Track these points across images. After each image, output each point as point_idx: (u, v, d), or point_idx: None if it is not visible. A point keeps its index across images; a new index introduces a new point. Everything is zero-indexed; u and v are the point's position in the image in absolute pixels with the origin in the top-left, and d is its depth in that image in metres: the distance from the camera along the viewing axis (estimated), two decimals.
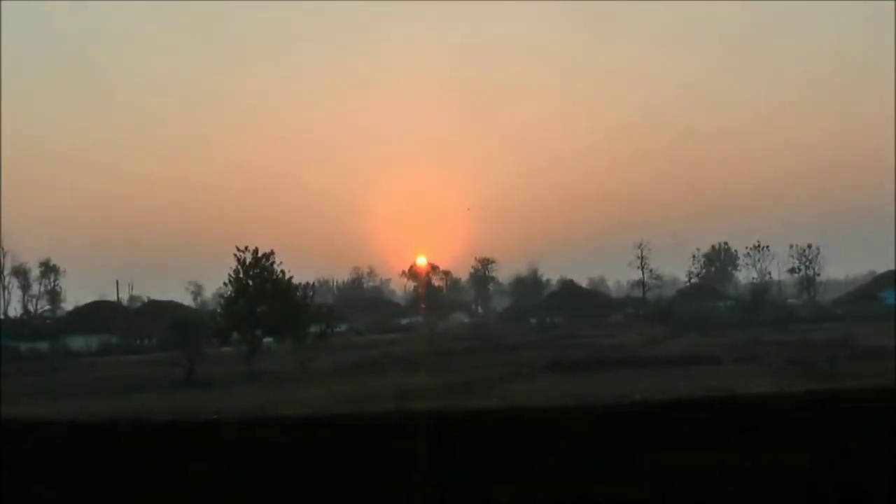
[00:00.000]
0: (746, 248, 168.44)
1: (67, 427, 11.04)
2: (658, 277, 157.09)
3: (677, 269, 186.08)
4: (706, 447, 8.93)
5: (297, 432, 10.04)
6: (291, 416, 9.89)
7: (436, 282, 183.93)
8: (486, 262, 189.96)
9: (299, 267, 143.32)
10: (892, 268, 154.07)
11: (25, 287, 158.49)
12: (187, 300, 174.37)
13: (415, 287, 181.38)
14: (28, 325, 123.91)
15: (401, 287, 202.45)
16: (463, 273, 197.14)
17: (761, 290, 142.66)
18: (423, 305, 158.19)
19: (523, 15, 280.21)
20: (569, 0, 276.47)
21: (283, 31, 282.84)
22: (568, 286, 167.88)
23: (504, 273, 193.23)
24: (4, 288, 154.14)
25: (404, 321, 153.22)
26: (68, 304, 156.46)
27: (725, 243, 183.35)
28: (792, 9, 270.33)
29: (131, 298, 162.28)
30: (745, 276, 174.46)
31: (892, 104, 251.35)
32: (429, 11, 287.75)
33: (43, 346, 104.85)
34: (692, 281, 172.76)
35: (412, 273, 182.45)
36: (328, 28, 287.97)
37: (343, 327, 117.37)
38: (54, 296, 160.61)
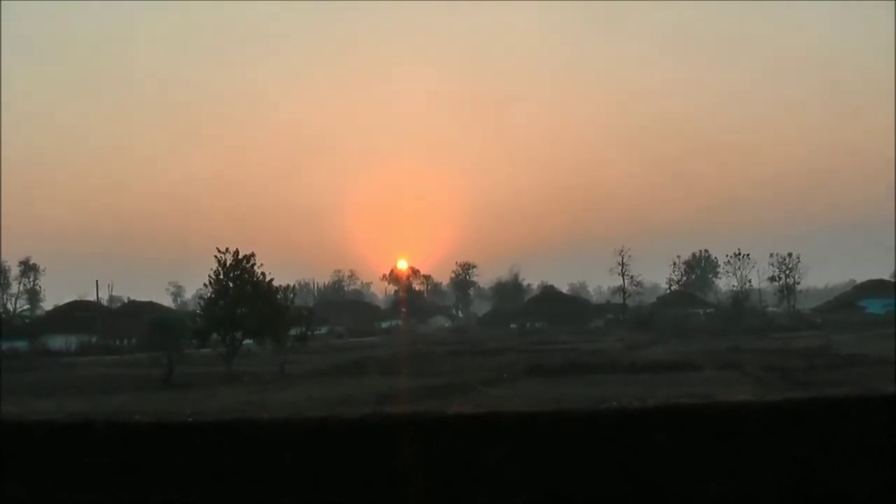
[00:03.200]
0: (727, 255, 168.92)
1: (43, 426, 11.01)
2: (639, 284, 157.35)
3: (658, 275, 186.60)
4: (684, 453, 8.94)
5: (274, 434, 10.03)
6: (269, 419, 9.87)
7: (417, 286, 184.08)
8: (467, 267, 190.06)
9: (280, 269, 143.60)
10: (872, 277, 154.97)
11: (5, 286, 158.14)
12: (167, 301, 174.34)
13: (396, 291, 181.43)
14: (7, 325, 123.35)
15: (382, 290, 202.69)
16: (444, 277, 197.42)
17: (741, 297, 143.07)
18: (403, 309, 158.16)
19: (507, 21, 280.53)
20: (554, 2, 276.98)
21: (265, 33, 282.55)
22: (549, 291, 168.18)
23: (485, 278, 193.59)
24: None
25: (385, 325, 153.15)
26: (48, 304, 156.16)
27: (706, 251, 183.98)
28: (778, 20, 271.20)
29: (111, 299, 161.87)
30: (725, 283, 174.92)
31: (877, 114, 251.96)
32: (415, 16, 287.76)
33: (22, 345, 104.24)
34: (672, 288, 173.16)
35: (393, 277, 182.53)
36: (310, 32, 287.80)
37: (323, 330, 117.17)
38: (34, 295, 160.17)
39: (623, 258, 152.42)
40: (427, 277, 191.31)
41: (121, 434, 10.27)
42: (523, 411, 9.99)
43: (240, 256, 69.88)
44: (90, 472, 10.52)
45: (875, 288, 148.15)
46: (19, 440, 10.65)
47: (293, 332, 73.28)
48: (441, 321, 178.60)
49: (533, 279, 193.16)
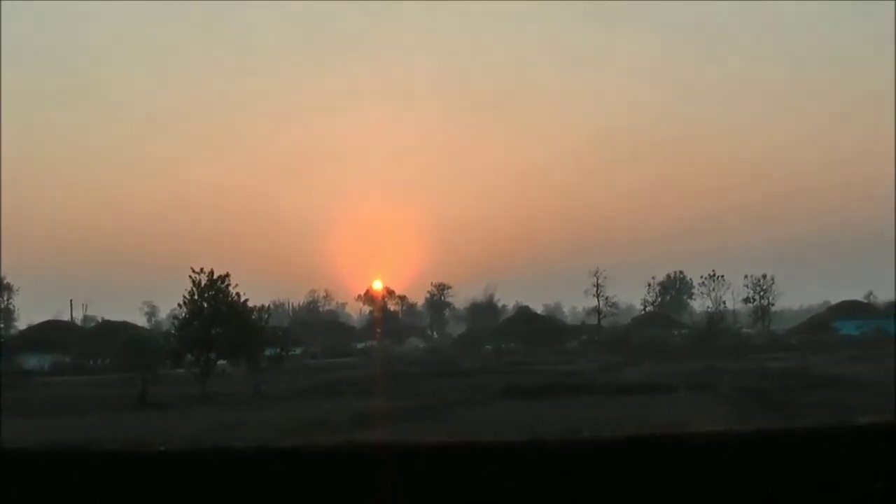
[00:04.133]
0: (701, 277, 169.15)
1: (13, 455, 10.93)
2: (614, 305, 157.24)
3: (633, 296, 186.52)
4: (656, 483, 8.95)
5: (248, 464, 9.99)
6: (243, 448, 9.84)
7: (392, 306, 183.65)
8: (441, 288, 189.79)
9: (255, 289, 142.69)
10: (846, 298, 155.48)
11: None
12: (142, 321, 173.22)
13: (371, 311, 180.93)
14: None
15: (357, 311, 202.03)
16: (419, 298, 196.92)
17: (716, 318, 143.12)
18: (378, 330, 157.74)
19: (483, 43, 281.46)
20: (530, 23, 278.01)
21: (245, 55, 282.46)
22: (523, 312, 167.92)
23: (460, 298, 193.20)
24: None
25: (360, 345, 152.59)
26: (21, 323, 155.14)
27: (681, 272, 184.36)
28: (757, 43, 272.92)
29: (85, 318, 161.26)
30: (700, 304, 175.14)
31: (852, 135, 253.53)
32: (394, 39, 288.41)
33: None
34: (647, 309, 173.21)
35: (368, 297, 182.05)
36: (291, 53, 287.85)
37: (298, 350, 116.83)
38: (7, 314, 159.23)
39: (598, 279, 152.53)
40: (402, 298, 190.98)
41: (91, 462, 10.24)
42: (498, 440, 9.99)
43: (214, 277, 69.58)
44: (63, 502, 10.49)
45: (849, 309, 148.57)
46: None
47: (268, 352, 73.11)
48: (416, 342, 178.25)
49: (508, 300, 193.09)
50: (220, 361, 72.75)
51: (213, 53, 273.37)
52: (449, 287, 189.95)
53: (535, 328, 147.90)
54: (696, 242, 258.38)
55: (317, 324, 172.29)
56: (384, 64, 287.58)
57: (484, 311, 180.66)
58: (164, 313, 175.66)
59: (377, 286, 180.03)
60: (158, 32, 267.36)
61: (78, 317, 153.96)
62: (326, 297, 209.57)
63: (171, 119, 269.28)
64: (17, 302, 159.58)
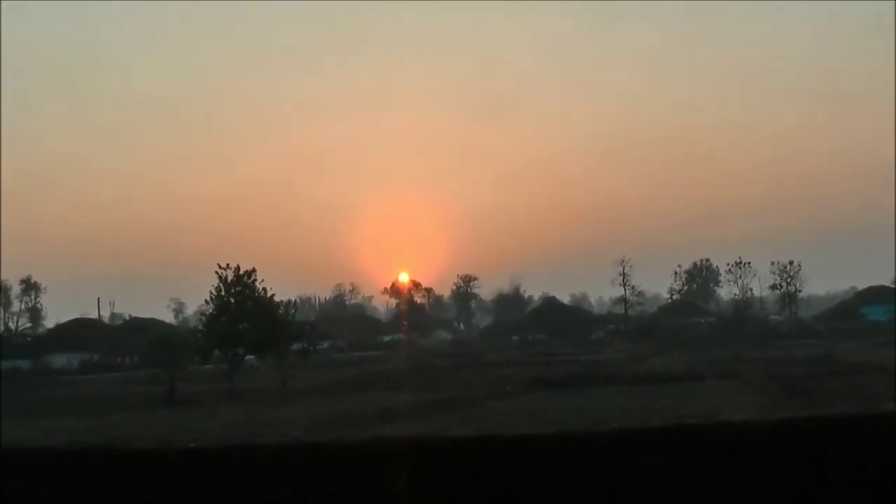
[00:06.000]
0: (728, 264, 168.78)
1: (45, 453, 11.00)
2: (640, 294, 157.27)
3: (659, 285, 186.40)
4: (682, 475, 8.94)
5: (275, 461, 10.03)
6: (269, 444, 9.89)
7: (418, 299, 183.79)
8: (468, 279, 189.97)
9: (281, 284, 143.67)
10: (872, 284, 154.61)
11: (6, 304, 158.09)
12: (169, 318, 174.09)
13: (397, 304, 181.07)
14: (8, 344, 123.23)
15: (383, 304, 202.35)
16: (445, 290, 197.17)
17: (743, 306, 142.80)
18: (405, 323, 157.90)
19: (506, 33, 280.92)
20: (552, 14, 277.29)
21: (266, 50, 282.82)
22: (550, 303, 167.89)
23: (486, 290, 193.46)
24: None
25: (387, 338, 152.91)
26: (49, 322, 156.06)
27: (707, 260, 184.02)
28: (774, 30, 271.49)
29: (112, 316, 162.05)
30: (726, 292, 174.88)
31: (877, 120, 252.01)
32: (417, 32, 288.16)
33: (23, 364, 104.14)
34: (674, 297, 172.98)
35: (394, 290, 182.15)
36: (313, 47, 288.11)
37: (325, 345, 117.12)
38: (35, 313, 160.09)
39: (624, 268, 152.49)
40: (428, 290, 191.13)
41: (120, 461, 10.29)
42: (524, 434, 10.00)
43: (241, 272, 69.79)
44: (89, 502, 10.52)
45: (876, 294, 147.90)
46: (16, 468, 10.64)
47: (295, 347, 73.28)
48: (443, 334, 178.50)
49: (534, 290, 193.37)
50: (248, 357, 72.96)
51: (236, 51, 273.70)
52: (475, 279, 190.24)
53: (561, 319, 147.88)
54: (723, 230, 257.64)
55: (343, 318, 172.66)
56: (405, 60, 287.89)
57: (510, 302, 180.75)
58: (191, 310, 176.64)
59: (403, 279, 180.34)
60: (182, 30, 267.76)
61: (105, 315, 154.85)
62: (353, 290, 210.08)
63: (195, 117, 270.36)
64: (45, 301, 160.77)
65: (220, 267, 69.71)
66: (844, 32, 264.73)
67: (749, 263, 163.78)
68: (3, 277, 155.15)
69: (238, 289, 69.65)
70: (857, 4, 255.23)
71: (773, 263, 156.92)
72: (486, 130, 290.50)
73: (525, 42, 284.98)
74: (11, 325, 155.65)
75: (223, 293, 69.72)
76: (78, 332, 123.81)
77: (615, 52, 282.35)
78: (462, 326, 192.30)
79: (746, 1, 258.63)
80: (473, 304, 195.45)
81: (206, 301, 72.49)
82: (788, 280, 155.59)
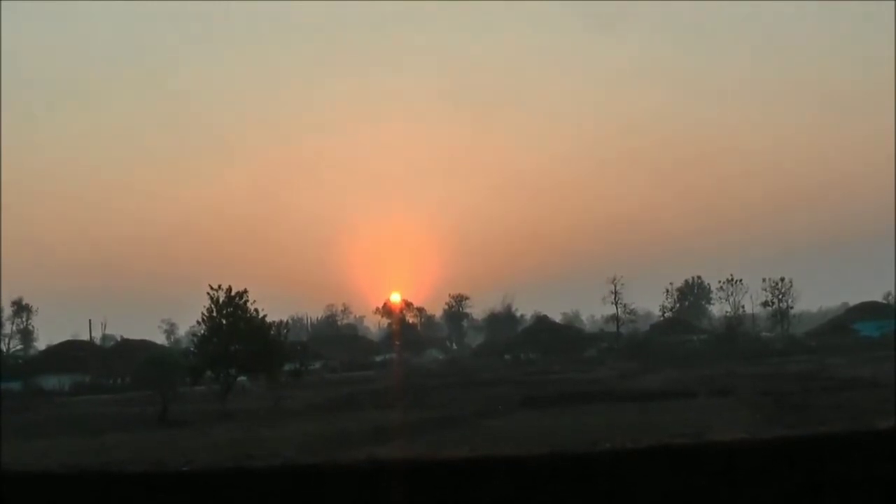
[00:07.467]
0: (719, 281, 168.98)
1: (36, 478, 10.97)
2: (632, 312, 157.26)
3: (651, 303, 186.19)
4: (678, 493, 8.94)
5: (268, 483, 10.02)
6: (263, 467, 9.87)
7: (410, 318, 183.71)
8: (459, 299, 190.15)
9: (273, 304, 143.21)
10: (864, 299, 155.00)
11: None
12: (161, 339, 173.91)
13: (389, 324, 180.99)
14: (0, 365, 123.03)
15: (375, 324, 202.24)
16: (437, 309, 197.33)
17: (735, 323, 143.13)
18: (397, 342, 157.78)
19: (493, 49, 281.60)
20: (540, 24, 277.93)
21: (256, 66, 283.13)
22: (542, 321, 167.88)
23: (478, 309, 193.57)
24: None
25: (379, 358, 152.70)
26: (41, 344, 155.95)
27: (698, 277, 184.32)
28: (770, 44, 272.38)
29: (104, 337, 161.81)
30: (718, 309, 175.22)
31: (867, 132, 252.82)
32: (407, 45, 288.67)
33: (15, 385, 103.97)
34: (666, 315, 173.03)
35: (386, 310, 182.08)
36: (303, 63, 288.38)
37: (317, 365, 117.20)
38: (26, 335, 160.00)
39: (616, 286, 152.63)
40: (420, 310, 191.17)
41: (113, 484, 10.26)
42: (516, 455, 9.99)
43: (232, 293, 69.88)
44: None
45: (868, 310, 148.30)
46: (12, 490, 10.61)
47: (287, 367, 73.35)
48: (435, 353, 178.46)
49: (526, 309, 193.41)
50: (240, 377, 72.97)
51: (225, 64, 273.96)
52: (467, 298, 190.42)
53: (553, 337, 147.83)
54: (714, 247, 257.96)
55: (335, 337, 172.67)
56: (393, 74, 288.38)
57: (502, 321, 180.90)
58: (182, 331, 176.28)
59: (395, 299, 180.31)
60: (175, 43, 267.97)
61: (97, 336, 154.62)
62: (344, 310, 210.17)
63: (188, 134, 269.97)
64: (36, 322, 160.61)
65: (211, 288, 69.84)
66: (844, 32, 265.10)
67: (741, 280, 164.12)
68: None
69: (230, 309, 69.73)
70: (856, 4, 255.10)
71: (764, 280, 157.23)
72: (477, 150, 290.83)
73: (514, 60, 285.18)
74: (3, 347, 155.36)
75: (215, 314, 69.80)
76: (69, 354, 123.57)
77: (607, 60, 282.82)
78: (454, 346, 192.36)
79: (746, 2, 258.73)
80: (465, 323, 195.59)
81: (198, 322, 72.53)
82: (780, 297, 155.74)
